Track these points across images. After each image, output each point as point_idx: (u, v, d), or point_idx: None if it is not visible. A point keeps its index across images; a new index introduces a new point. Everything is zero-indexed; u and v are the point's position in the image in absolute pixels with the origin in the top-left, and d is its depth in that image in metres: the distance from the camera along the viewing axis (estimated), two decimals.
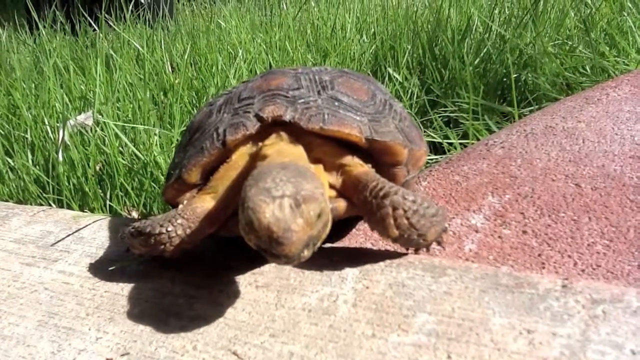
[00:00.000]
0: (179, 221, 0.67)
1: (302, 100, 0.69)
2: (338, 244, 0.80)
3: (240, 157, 0.69)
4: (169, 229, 0.67)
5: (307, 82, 0.73)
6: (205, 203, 0.69)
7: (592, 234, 0.74)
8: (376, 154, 0.71)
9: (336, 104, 0.70)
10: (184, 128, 1.41)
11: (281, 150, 0.66)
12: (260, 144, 0.69)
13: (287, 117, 0.68)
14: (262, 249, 0.54)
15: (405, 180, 0.76)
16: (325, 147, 0.69)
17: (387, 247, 0.75)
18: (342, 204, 0.69)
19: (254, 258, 0.74)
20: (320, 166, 0.69)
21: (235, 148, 0.69)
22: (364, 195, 0.65)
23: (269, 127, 0.69)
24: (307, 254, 0.54)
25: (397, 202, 0.63)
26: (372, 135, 0.69)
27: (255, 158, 0.68)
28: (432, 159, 1.22)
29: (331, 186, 0.69)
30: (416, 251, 0.69)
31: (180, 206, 0.69)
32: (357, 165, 0.70)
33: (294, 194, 0.53)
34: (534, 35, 1.55)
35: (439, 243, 0.68)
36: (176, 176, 0.72)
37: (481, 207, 0.83)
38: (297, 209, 0.53)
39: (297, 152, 0.67)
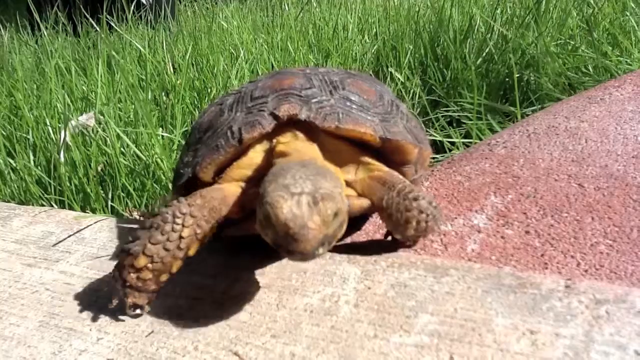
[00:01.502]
0: (198, 195, 0.66)
1: (316, 100, 0.70)
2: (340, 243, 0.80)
3: (254, 155, 0.70)
4: (183, 201, 0.65)
5: (318, 82, 0.73)
6: (222, 186, 0.69)
7: (595, 234, 0.73)
8: (387, 153, 0.73)
9: (348, 103, 0.71)
10: (186, 128, 1.41)
11: (298, 148, 0.67)
12: (274, 141, 0.69)
13: (303, 115, 0.68)
14: (277, 244, 0.55)
15: (413, 179, 0.77)
16: (338, 146, 0.71)
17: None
18: (356, 202, 0.69)
19: (256, 259, 0.74)
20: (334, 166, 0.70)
21: (250, 146, 0.70)
22: (390, 195, 0.67)
23: (283, 126, 0.69)
24: (322, 251, 0.54)
25: (424, 207, 0.66)
26: (385, 134, 0.70)
27: (270, 156, 0.68)
28: (434, 158, 1.22)
29: (347, 184, 0.70)
30: (402, 244, 0.73)
31: (192, 194, 0.67)
32: (379, 166, 0.72)
33: (312, 192, 0.54)
34: (536, 35, 1.55)
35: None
36: (189, 175, 0.71)
37: (484, 207, 0.82)
38: (314, 207, 0.53)
39: (313, 151, 0.68)
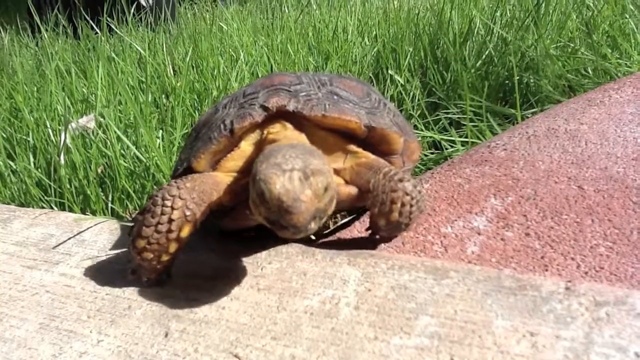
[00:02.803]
0: (189, 178, 0.69)
1: (304, 93, 0.74)
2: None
3: (246, 147, 0.73)
4: (173, 185, 0.68)
5: (307, 79, 0.78)
6: (207, 177, 0.71)
7: (595, 236, 0.73)
8: (373, 143, 0.76)
9: (335, 97, 0.75)
10: (186, 131, 1.41)
11: (287, 135, 0.71)
12: (264, 133, 0.73)
13: (291, 107, 0.72)
14: (271, 221, 0.58)
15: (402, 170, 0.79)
16: (326, 137, 0.74)
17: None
18: (344, 190, 0.72)
19: (256, 261, 0.74)
20: None
21: (242, 138, 0.73)
22: (376, 178, 0.69)
23: (273, 118, 0.73)
24: (314, 226, 0.57)
25: (409, 189, 0.68)
26: (370, 122, 0.73)
27: (261, 146, 0.71)
28: (427, 156, 1.22)
29: (336, 172, 0.73)
30: (379, 242, 0.76)
31: (182, 178, 0.70)
32: (366, 154, 0.75)
33: (303, 168, 0.57)
34: (536, 37, 1.55)
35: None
36: (184, 167, 0.75)
37: (484, 209, 0.83)
38: (305, 181, 0.56)
39: (301, 138, 0.72)
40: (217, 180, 0.71)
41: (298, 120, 0.73)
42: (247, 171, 0.69)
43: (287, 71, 0.90)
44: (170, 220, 0.66)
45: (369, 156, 0.75)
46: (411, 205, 0.68)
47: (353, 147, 0.74)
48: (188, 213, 0.67)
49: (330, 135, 0.74)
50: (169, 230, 0.66)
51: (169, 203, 0.66)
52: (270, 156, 0.60)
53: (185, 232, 0.67)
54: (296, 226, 0.55)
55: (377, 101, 0.80)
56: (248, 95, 0.76)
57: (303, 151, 0.61)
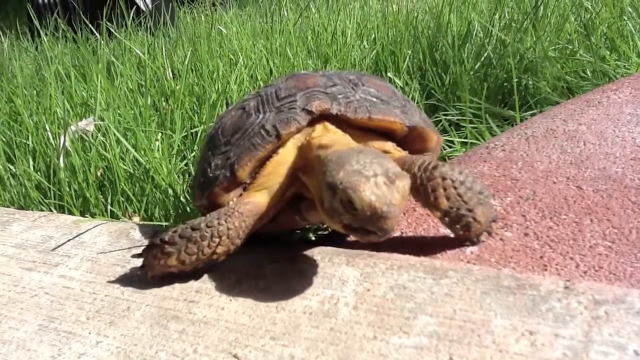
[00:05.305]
0: (236, 215, 0.69)
1: (342, 95, 0.74)
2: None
3: (287, 152, 0.72)
4: (223, 224, 0.68)
5: (339, 80, 0.77)
6: (256, 198, 0.71)
7: (594, 235, 0.73)
8: (410, 141, 0.77)
9: (370, 97, 0.75)
10: (185, 133, 1.41)
11: (334, 139, 0.69)
12: (306, 137, 0.71)
13: (334, 110, 0.72)
14: (354, 228, 0.57)
15: None
16: (365, 137, 0.73)
17: (444, 233, 0.75)
18: None
19: (255, 262, 0.74)
20: None
21: (284, 143, 0.72)
22: (412, 172, 0.68)
23: (312, 122, 0.72)
24: (395, 227, 0.58)
25: (445, 172, 0.67)
26: (410, 123, 0.74)
27: (304, 152, 0.70)
28: None
29: None
30: (465, 238, 0.73)
31: (231, 203, 0.71)
32: (397, 151, 0.75)
33: (384, 173, 0.56)
34: (535, 39, 1.55)
35: (489, 233, 0.73)
36: (224, 176, 0.73)
37: None
38: (392, 185, 0.56)
39: (348, 141, 0.70)
40: (261, 207, 0.70)
41: (337, 122, 0.72)
42: (289, 178, 0.71)
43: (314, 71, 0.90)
44: (214, 253, 0.68)
45: (400, 154, 0.75)
46: (455, 188, 0.67)
47: (387, 147, 0.74)
48: (232, 247, 0.69)
49: (368, 135, 0.74)
50: (209, 260, 0.69)
51: (216, 240, 0.68)
52: (343, 163, 0.59)
53: (222, 258, 0.70)
54: (387, 230, 0.55)
55: (404, 99, 0.80)
56: (284, 99, 0.74)
57: (374, 155, 0.60)
